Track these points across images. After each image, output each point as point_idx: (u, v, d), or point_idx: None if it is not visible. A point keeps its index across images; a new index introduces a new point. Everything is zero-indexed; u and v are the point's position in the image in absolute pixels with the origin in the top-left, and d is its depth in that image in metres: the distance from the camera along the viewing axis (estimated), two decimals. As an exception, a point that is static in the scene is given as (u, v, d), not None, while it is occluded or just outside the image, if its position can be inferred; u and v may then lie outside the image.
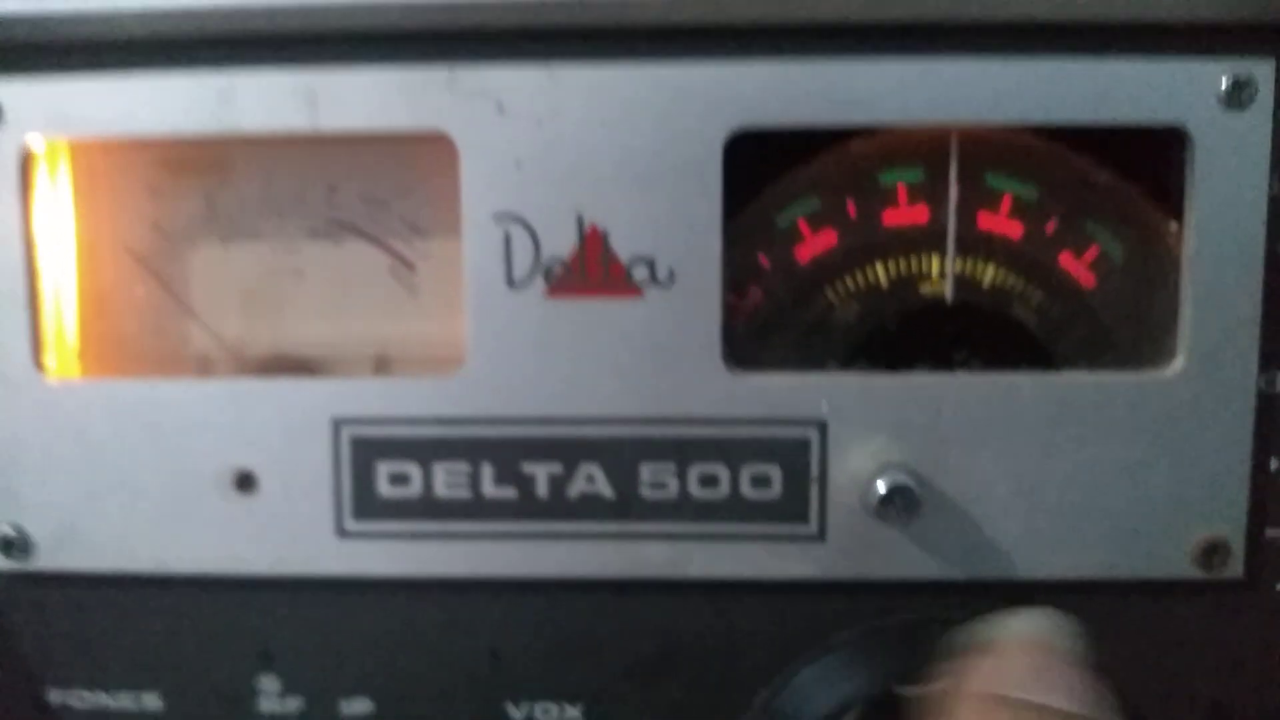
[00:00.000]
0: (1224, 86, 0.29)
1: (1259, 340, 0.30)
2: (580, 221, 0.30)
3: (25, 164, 0.31)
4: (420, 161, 0.32)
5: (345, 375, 0.33)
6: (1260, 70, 0.29)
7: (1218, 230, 0.30)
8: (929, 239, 0.32)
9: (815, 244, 0.32)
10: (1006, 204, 0.32)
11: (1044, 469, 0.30)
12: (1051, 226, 0.32)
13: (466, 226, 0.30)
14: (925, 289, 0.32)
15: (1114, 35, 0.29)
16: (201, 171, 0.33)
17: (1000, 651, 0.25)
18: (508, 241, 0.30)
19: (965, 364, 0.32)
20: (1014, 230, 0.32)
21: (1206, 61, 0.29)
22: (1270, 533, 0.31)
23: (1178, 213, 0.31)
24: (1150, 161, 0.31)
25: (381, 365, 0.33)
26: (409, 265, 0.33)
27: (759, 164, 0.31)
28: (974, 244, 0.32)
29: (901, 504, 0.28)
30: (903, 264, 0.32)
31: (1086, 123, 0.30)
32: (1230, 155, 0.29)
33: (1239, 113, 0.29)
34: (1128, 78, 0.29)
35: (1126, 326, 0.32)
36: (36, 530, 0.32)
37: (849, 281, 0.32)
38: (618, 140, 0.30)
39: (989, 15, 0.29)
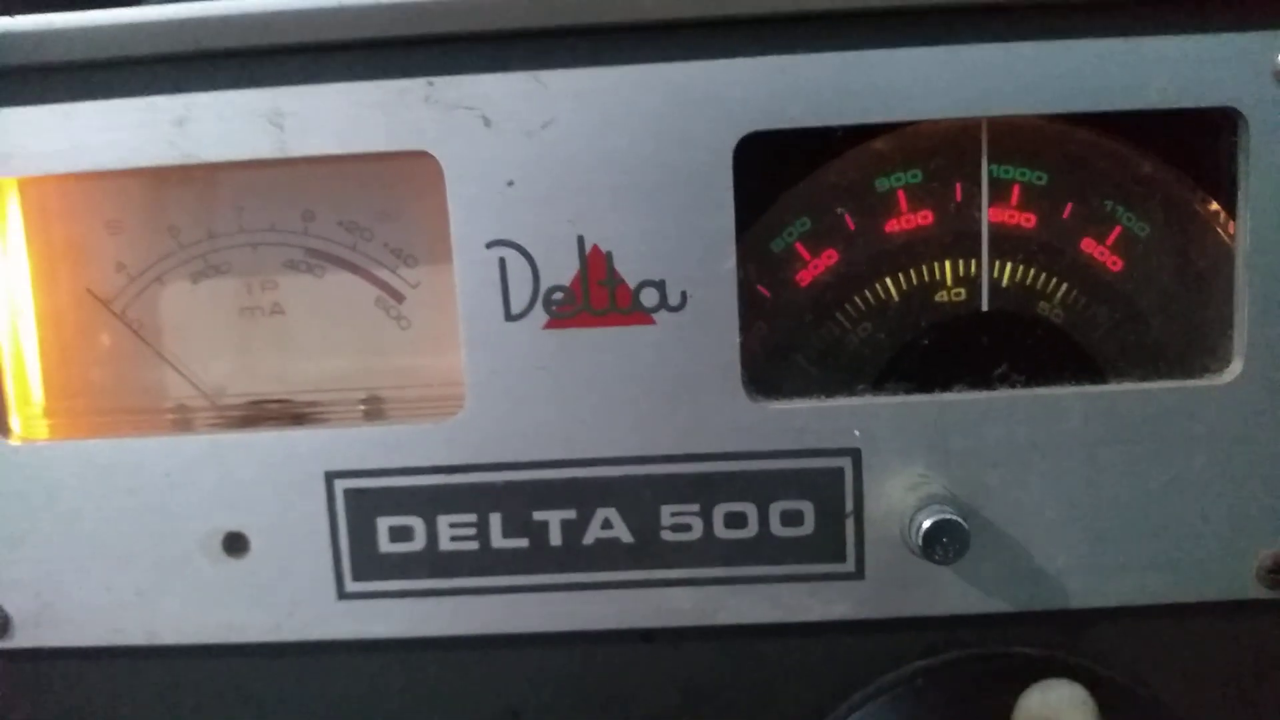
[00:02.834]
0: None
1: None
2: (581, 243, 0.28)
3: (-31, 208, 0.29)
4: (403, 181, 0.30)
5: (335, 419, 0.31)
6: None
7: (1276, 220, 0.28)
8: (939, 244, 0.30)
9: (817, 265, 0.30)
10: (1016, 194, 0.30)
11: (1096, 489, 0.29)
12: (1068, 211, 0.30)
13: (458, 255, 0.28)
14: (943, 298, 0.30)
15: (1156, 10, 0.27)
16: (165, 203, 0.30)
17: None
18: (503, 269, 0.28)
19: (1005, 379, 0.29)
20: (1028, 220, 0.30)
21: (1260, 34, 0.27)
22: None
23: (1228, 201, 0.28)
24: (1191, 142, 0.29)
25: (373, 406, 0.31)
26: (397, 296, 0.31)
27: (759, 181, 0.29)
28: (990, 241, 0.30)
29: (949, 543, 0.26)
30: (915, 275, 0.30)
31: (1129, 108, 0.28)
32: None
33: None
34: (1173, 57, 0.28)
35: (1171, 320, 0.30)
36: (13, 606, 0.30)
37: (858, 301, 0.30)
38: (617, 151, 0.28)
39: None
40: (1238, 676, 0.30)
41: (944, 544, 0.26)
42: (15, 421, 0.30)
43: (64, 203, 0.31)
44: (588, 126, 0.27)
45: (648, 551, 0.29)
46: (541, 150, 0.27)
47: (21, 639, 0.30)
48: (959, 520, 0.26)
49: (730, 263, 0.28)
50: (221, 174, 0.30)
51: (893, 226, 0.30)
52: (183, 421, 0.31)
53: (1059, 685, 0.25)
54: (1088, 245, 0.30)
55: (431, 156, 0.28)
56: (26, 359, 0.31)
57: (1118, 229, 0.30)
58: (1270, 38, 0.27)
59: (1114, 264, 0.30)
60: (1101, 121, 0.29)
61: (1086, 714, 0.24)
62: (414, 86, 0.27)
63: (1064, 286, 0.30)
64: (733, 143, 0.27)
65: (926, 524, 0.26)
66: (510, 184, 0.28)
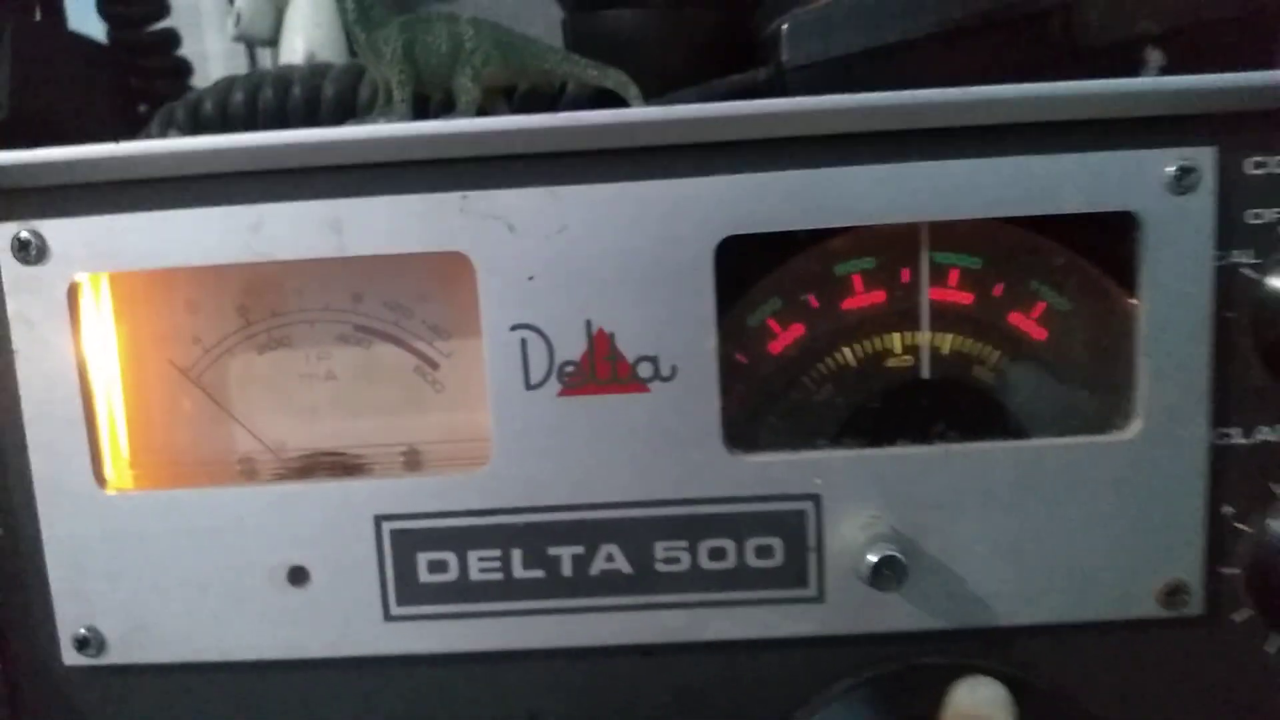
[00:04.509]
0: (1170, 173, 0.32)
1: (1209, 400, 0.33)
2: (589, 326, 0.33)
3: (72, 295, 0.34)
4: (438, 271, 0.35)
5: (379, 467, 0.36)
6: (1202, 157, 0.32)
7: (1169, 303, 0.32)
8: (888, 319, 0.35)
9: (786, 338, 0.35)
10: (955, 277, 0.35)
11: (1019, 528, 0.33)
12: (999, 290, 0.35)
13: (487, 337, 0.33)
14: (891, 364, 0.35)
15: (1068, 132, 0.32)
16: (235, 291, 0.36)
17: None
18: (524, 348, 0.33)
19: (943, 435, 0.35)
20: (965, 299, 0.35)
21: (1154, 151, 0.32)
22: (1225, 571, 0.34)
23: (1129, 286, 0.33)
24: (1099, 239, 0.34)
25: (411, 457, 0.36)
26: (433, 364, 0.36)
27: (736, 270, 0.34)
28: (932, 317, 0.35)
29: (891, 574, 0.31)
30: (868, 345, 0.35)
31: (1047, 212, 0.32)
32: (1177, 235, 0.32)
33: (1184, 196, 0.32)
34: (1082, 170, 0.32)
35: (1085, 383, 0.35)
36: (108, 629, 0.35)
37: (821, 367, 0.35)
38: (619, 251, 0.32)
39: (955, 121, 0.32)
40: (1140, 682, 0.34)
41: (885, 575, 0.31)
42: (109, 473, 0.35)
43: (149, 288, 0.36)
44: (595, 231, 0.32)
45: (644, 580, 0.34)
46: (557, 250, 0.32)
47: (115, 656, 0.35)
48: (898, 555, 0.31)
49: (712, 342, 0.33)
50: (285, 263, 0.35)
51: (850, 305, 0.35)
52: (249, 472, 0.36)
53: (985, 684, 0.30)
54: (1015, 319, 0.35)
55: (465, 255, 0.33)
56: (116, 421, 0.36)
57: (1042, 305, 0.35)
58: (1160, 155, 0.32)
59: (1038, 334, 0.36)
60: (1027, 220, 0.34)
61: (1008, 714, 0.29)
62: (450, 199, 0.32)
63: (995, 354, 0.35)
64: (714, 244, 0.32)
65: (872, 559, 0.31)
66: (531, 278, 0.33)
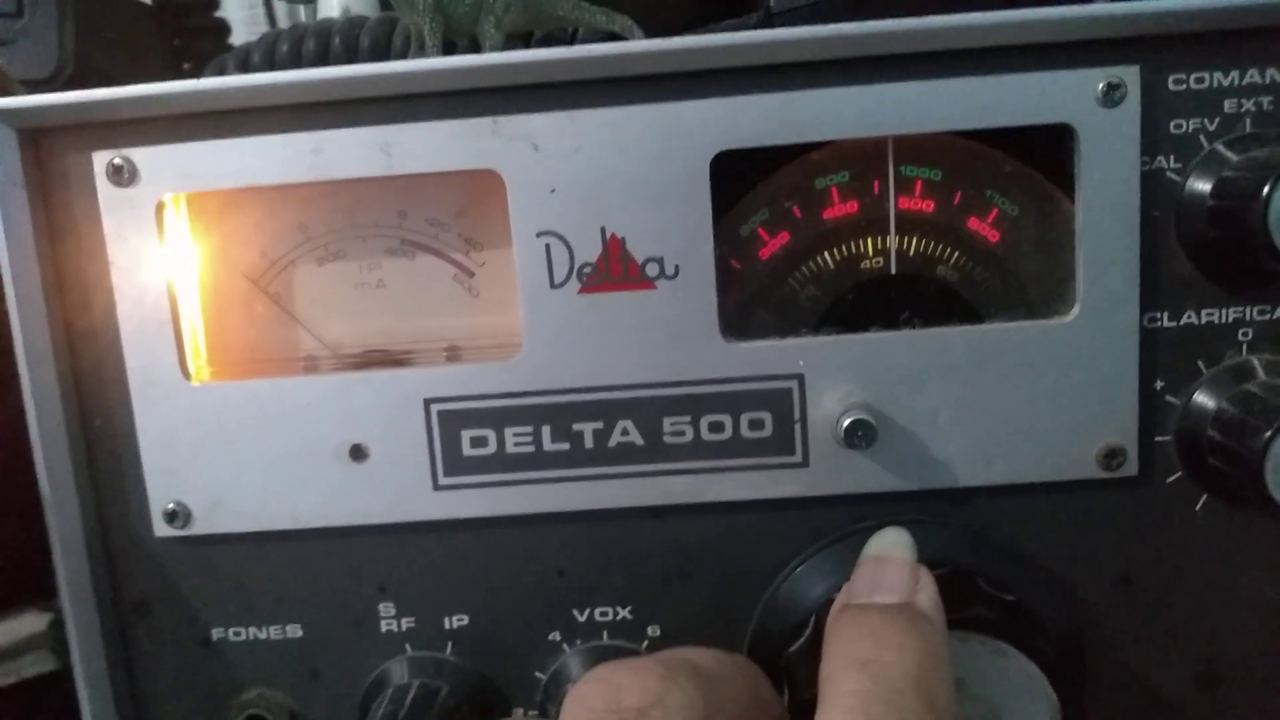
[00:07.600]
0: (1100, 89, 0.36)
1: (1139, 288, 0.37)
2: (603, 232, 0.37)
3: (159, 213, 0.39)
4: (472, 190, 0.40)
5: (425, 364, 0.41)
6: (1128, 75, 0.36)
7: (1102, 203, 0.36)
8: (862, 226, 0.39)
9: (774, 244, 0.40)
10: (919, 187, 0.39)
11: (975, 401, 0.37)
12: (957, 199, 0.39)
13: (516, 243, 0.38)
14: (865, 265, 0.40)
15: (1011, 55, 0.36)
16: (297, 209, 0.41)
17: (855, 569, 0.34)
18: (548, 252, 0.38)
19: (909, 323, 0.40)
20: (928, 206, 0.39)
21: (1086, 70, 0.36)
22: (1158, 439, 0.38)
23: (1070, 192, 0.38)
24: (1044, 150, 0.39)
25: (453, 353, 0.42)
26: (469, 273, 0.41)
27: (729, 185, 0.39)
28: (899, 223, 0.40)
29: (862, 434, 0.37)
30: (845, 248, 0.40)
31: (996, 125, 0.37)
32: (1108, 144, 0.36)
33: (1113, 110, 0.36)
34: (1025, 87, 0.36)
35: (1032, 276, 0.39)
36: (193, 503, 0.40)
37: (804, 269, 0.40)
38: (628, 165, 0.36)
39: (914, 47, 0.37)
40: (1081, 535, 0.38)
41: (857, 435, 0.37)
42: (192, 367, 0.41)
43: (223, 209, 0.41)
44: (607, 148, 0.36)
45: (654, 451, 0.38)
46: (575, 166, 0.37)
47: (199, 527, 0.40)
48: (869, 418, 0.37)
49: (709, 245, 0.38)
50: (339, 185, 0.41)
51: (829, 214, 0.40)
52: (311, 367, 0.42)
53: (891, 530, 0.34)
54: (973, 223, 0.40)
55: (496, 173, 0.38)
56: (196, 325, 0.42)
57: (995, 210, 0.40)
58: (1091, 74, 0.36)
59: (992, 236, 0.41)
60: (980, 134, 0.39)
61: (905, 549, 0.34)
62: (483, 123, 0.37)
63: (955, 254, 0.40)
64: (709, 158, 0.36)
65: (846, 422, 0.37)
66: (553, 191, 0.37)
